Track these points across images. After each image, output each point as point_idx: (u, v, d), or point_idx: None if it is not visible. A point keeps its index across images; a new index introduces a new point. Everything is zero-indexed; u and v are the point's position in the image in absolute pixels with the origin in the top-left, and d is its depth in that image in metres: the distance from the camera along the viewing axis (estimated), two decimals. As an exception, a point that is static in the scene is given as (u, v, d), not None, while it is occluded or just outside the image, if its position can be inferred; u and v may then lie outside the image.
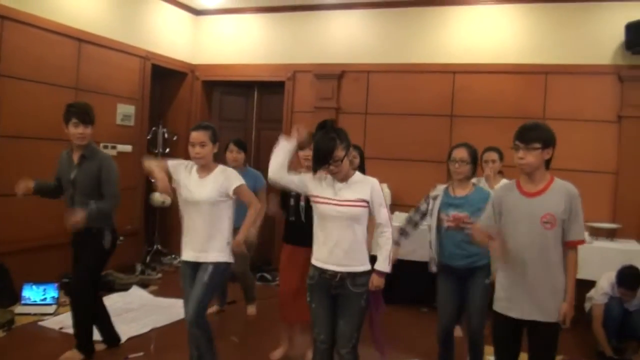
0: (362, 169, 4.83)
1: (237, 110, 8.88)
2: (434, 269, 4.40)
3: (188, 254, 4.06)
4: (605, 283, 5.22)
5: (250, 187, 4.47)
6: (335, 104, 7.78)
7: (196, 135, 3.98)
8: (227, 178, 4.03)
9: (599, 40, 6.67)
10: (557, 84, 6.84)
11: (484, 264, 4.23)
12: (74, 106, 4.55)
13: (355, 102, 7.76)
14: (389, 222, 3.60)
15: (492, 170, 5.60)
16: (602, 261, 5.67)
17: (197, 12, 8.57)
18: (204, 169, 4.05)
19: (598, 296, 5.22)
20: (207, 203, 3.97)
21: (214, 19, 8.57)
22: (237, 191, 4.01)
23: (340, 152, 3.49)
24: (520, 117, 6.79)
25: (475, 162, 4.39)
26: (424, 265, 4.63)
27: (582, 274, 5.73)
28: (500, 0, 7.08)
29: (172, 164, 4.11)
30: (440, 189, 4.47)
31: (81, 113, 4.46)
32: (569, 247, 3.28)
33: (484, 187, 4.61)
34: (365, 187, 3.57)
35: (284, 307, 4.61)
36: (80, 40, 6.56)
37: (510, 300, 3.35)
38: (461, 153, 4.32)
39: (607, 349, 5.06)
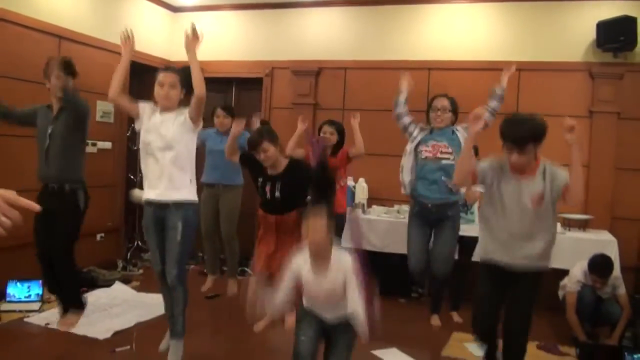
0: (341, 143, 5.69)
1: (215, 106, 8.90)
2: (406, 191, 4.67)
3: (150, 193, 4.09)
4: (578, 271, 5.40)
5: (240, 146, 4.74)
6: (313, 100, 7.89)
7: (165, 75, 4.10)
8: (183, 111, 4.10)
9: (571, 38, 6.86)
10: (530, 80, 7.01)
11: (455, 200, 4.42)
12: (59, 58, 4.77)
13: (332, 99, 7.87)
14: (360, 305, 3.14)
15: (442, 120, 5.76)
16: (574, 251, 5.86)
17: (174, 9, 8.61)
18: (167, 110, 4.11)
19: (571, 284, 5.40)
20: (170, 143, 4.03)
21: (191, 15, 8.55)
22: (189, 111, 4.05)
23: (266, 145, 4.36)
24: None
25: (456, 111, 4.62)
26: (400, 257, 4.78)
27: (556, 264, 5.93)
28: (475, -2, 7.23)
29: (142, 106, 4.22)
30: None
31: (65, 65, 4.63)
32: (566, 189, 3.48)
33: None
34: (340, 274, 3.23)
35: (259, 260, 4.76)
36: (60, 37, 6.57)
37: (497, 252, 3.57)
38: (443, 102, 4.56)
39: (580, 334, 5.24)
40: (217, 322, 5.82)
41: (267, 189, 4.64)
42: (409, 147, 4.76)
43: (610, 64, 6.68)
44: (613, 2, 6.62)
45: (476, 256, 3.88)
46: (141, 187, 8.03)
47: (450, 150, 4.52)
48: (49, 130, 4.61)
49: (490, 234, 3.69)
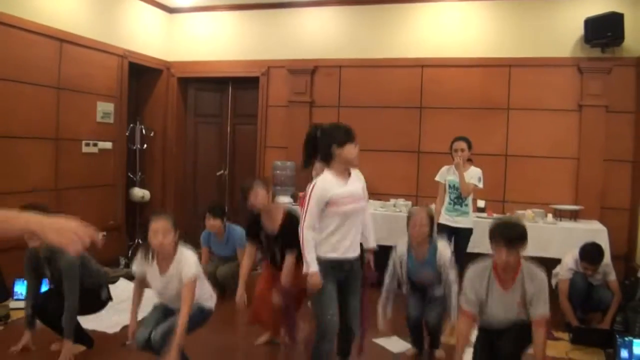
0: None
1: (212, 105, 9.07)
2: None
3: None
4: (569, 260, 5.59)
5: (232, 250, 5.46)
6: (309, 98, 8.04)
7: (160, 224, 3.82)
8: (183, 266, 3.86)
9: (560, 35, 7.05)
10: (520, 76, 7.20)
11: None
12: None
13: (328, 96, 8.02)
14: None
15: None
16: (566, 240, 6.08)
17: (171, 10, 8.73)
18: (165, 260, 3.91)
19: (563, 272, 5.59)
20: (173, 300, 3.95)
21: (187, 16, 8.73)
22: (185, 282, 3.83)
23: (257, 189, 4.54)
24: (486, 107, 7.23)
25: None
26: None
27: (548, 253, 6.18)
28: (466, -3, 7.41)
29: (138, 271, 4.06)
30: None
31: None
32: (537, 325, 3.62)
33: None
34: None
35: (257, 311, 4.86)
36: (61, 40, 6.68)
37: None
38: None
39: (573, 320, 5.43)
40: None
41: (270, 246, 4.71)
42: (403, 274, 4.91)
43: (598, 59, 6.87)
44: (600, -1, 6.83)
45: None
46: (141, 187, 8.24)
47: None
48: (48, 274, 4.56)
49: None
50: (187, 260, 3.88)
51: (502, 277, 3.66)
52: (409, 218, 4.57)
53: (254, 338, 5.13)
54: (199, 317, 4.06)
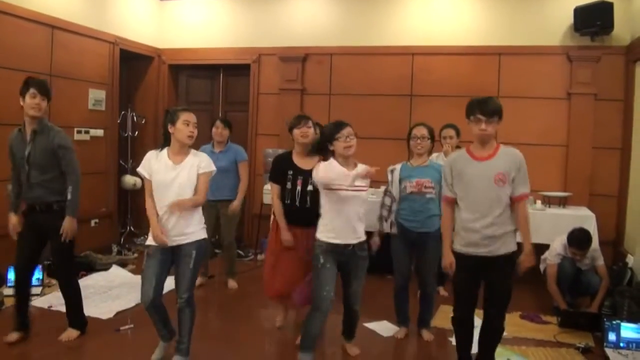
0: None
1: (204, 93, 9.07)
2: (389, 229, 4.91)
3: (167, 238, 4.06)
4: (558, 245, 5.68)
5: (230, 160, 4.91)
6: (300, 85, 8.07)
7: (193, 117, 4.07)
8: (201, 160, 4.10)
9: (549, 23, 7.11)
10: (510, 64, 7.25)
11: (435, 230, 4.67)
12: (33, 78, 4.50)
13: (319, 84, 8.05)
14: None
15: (450, 146, 5.97)
16: (554, 226, 6.14)
17: (162, -2, 8.73)
18: (181, 151, 4.09)
19: (552, 257, 5.68)
20: (185, 186, 4.03)
21: (178, 3, 8.71)
22: (200, 175, 4.07)
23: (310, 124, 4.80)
24: (475, 95, 7.17)
25: (433, 138, 4.87)
26: (388, 236, 5.01)
27: (537, 239, 6.20)
28: (457, -16, 7.43)
29: (144, 169, 4.11)
30: (396, 166, 5.00)
31: (41, 84, 4.44)
32: (518, 200, 3.73)
33: (437, 161, 5.15)
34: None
35: (272, 285, 4.87)
36: (53, 27, 6.68)
37: (472, 244, 3.78)
38: (422, 131, 4.81)
39: (562, 303, 5.52)
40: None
41: (299, 182, 4.69)
42: (395, 191, 4.92)
43: (588, 47, 6.93)
44: (590, -12, 6.87)
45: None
46: (132, 174, 8.25)
47: (432, 184, 4.73)
48: (25, 153, 4.45)
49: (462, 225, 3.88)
50: (205, 157, 4.18)
51: (478, 154, 3.77)
52: (409, 134, 4.92)
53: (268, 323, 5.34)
54: (201, 251, 4.20)
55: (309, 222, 4.46)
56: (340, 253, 4.15)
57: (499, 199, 3.69)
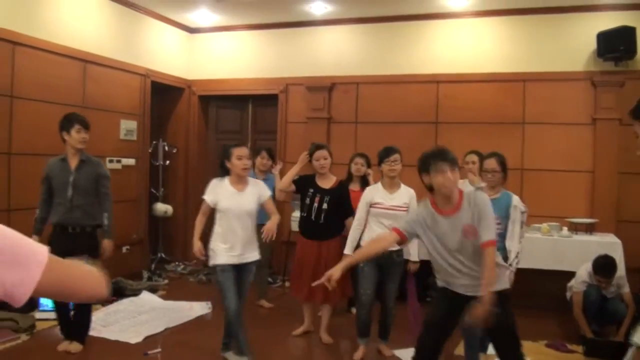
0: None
1: (233, 122, 9.24)
2: None
3: (231, 258, 4.63)
4: (583, 272, 5.65)
5: (271, 188, 5.28)
6: (327, 114, 8.19)
7: (245, 150, 4.68)
8: (260, 189, 4.76)
9: (573, 49, 7.13)
10: (534, 90, 7.27)
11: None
12: (74, 114, 5.10)
13: (345, 112, 8.16)
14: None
15: (472, 172, 5.97)
16: (581, 253, 6.09)
17: (191, 30, 8.96)
18: (241, 181, 4.69)
19: (577, 284, 5.64)
20: (248, 213, 4.66)
21: (208, 36, 8.95)
22: (266, 201, 4.74)
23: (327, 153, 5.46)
24: (501, 122, 7.32)
25: (505, 170, 4.75)
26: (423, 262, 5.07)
27: (564, 266, 6.23)
28: (480, 13, 7.50)
29: (210, 195, 4.70)
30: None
31: (83, 120, 4.98)
32: (484, 246, 3.44)
33: (509, 193, 4.95)
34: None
35: (297, 286, 5.49)
36: (86, 61, 6.93)
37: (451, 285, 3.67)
38: (492, 164, 4.74)
39: (587, 331, 5.48)
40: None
41: (317, 199, 5.38)
42: None
43: (611, 72, 6.93)
44: (612, 13, 6.90)
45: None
46: (163, 202, 8.43)
47: (500, 222, 4.56)
48: (71, 179, 4.90)
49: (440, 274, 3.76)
50: (262, 184, 4.87)
51: (444, 208, 3.53)
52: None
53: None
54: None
55: (320, 236, 5.36)
56: (378, 257, 4.52)
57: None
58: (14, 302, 1.20)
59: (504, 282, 3.68)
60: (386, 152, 5.02)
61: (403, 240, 3.72)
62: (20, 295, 1.20)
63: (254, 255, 4.75)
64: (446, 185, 3.44)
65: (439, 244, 3.58)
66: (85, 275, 1.36)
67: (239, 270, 4.67)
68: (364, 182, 5.90)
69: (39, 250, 1.24)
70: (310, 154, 5.44)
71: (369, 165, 6.03)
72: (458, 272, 3.57)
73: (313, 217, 5.38)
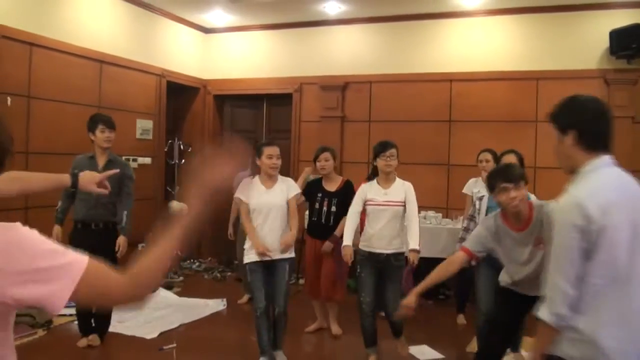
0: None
1: (248, 121, 9.32)
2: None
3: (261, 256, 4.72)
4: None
5: None
6: (340, 113, 8.24)
7: (276, 149, 4.80)
8: (289, 186, 4.90)
9: (586, 47, 7.13)
10: (547, 88, 7.25)
11: None
12: (99, 114, 5.36)
13: (359, 111, 8.21)
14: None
15: (486, 170, 5.98)
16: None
17: (206, 31, 9.05)
18: (270, 179, 4.83)
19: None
20: (278, 210, 4.75)
21: (222, 36, 9.03)
22: (290, 199, 4.82)
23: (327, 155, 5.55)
24: (514, 120, 7.32)
25: (523, 166, 4.82)
26: (426, 261, 5.11)
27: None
28: (493, 12, 7.51)
29: (241, 193, 4.78)
30: (481, 185, 5.18)
31: (108, 120, 5.19)
32: None
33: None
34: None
35: (311, 286, 5.66)
36: (102, 61, 7.03)
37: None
38: (511, 159, 4.83)
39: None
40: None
41: (325, 203, 5.52)
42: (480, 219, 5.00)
43: (624, 70, 6.92)
44: (625, 11, 6.89)
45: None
46: (179, 200, 8.49)
47: None
48: None
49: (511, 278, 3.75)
50: (291, 182, 5.02)
51: (514, 223, 3.50)
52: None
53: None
54: (292, 267, 5.11)
55: (319, 235, 5.53)
56: (375, 260, 4.77)
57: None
58: (49, 311, 1.29)
59: None
60: (382, 147, 4.89)
61: (474, 259, 3.70)
62: (54, 307, 1.27)
63: (285, 253, 4.81)
64: (510, 204, 3.39)
65: (511, 256, 3.59)
66: (111, 282, 1.38)
67: (270, 268, 4.76)
68: None
69: (75, 261, 1.30)
70: (315, 157, 5.58)
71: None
72: (527, 278, 3.56)
73: (323, 220, 5.51)
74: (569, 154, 2.38)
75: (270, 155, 4.74)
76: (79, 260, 1.30)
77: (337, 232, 5.39)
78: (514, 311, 3.77)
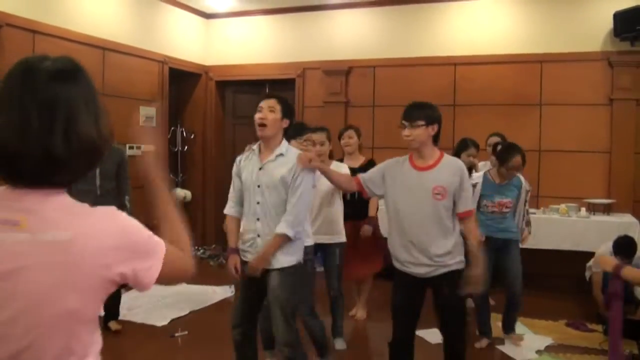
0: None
1: (250, 107, 9.02)
2: None
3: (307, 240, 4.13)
4: (603, 252, 5.67)
5: None
6: (344, 98, 8.22)
7: (318, 138, 4.68)
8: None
9: (589, 29, 7.11)
10: (551, 71, 7.27)
11: (517, 237, 4.83)
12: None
13: (362, 96, 8.19)
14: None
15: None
16: (599, 234, 6.14)
17: (208, 16, 8.99)
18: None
19: (597, 265, 5.68)
20: (319, 192, 4.60)
21: (224, 21, 8.99)
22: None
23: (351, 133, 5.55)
24: (518, 103, 7.33)
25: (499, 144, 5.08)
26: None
27: (582, 247, 6.25)
28: (496, -6, 7.50)
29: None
30: (478, 176, 5.07)
31: None
32: (462, 217, 3.56)
33: (484, 169, 5.21)
34: None
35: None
36: (104, 48, 6.99)
37: (407, 262, 3.57)
38: (496, 140, 4.98)
39: (606, 311, 5.52)
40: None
41: None
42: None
43: (628, 52, 6.91)
44: (629, -7, 6.87)
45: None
46: (182, 187, 8.52)
47: (513, 203, 4.91)
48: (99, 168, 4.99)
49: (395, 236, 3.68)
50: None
51: (419, 163, 3.60)
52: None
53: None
54: (343, 251, 5.00)
55: (354, 216, 5.24)
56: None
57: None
58: (142, 286, 1.43)
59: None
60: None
61: (360, 188, 3.79)
62: (149, 280, 1.43)
63: (330, 237, 4.81)
64: (407, 142, 3.61)
65: (404, 200, 3.58)
66: (182, 258, 1.56)
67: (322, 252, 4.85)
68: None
69: (160, 242, 1.46)
70: (340, 135, 5.63)
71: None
72: (411, 238, 3.57)
73: (349, 197, 5.14)
74: None
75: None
76: (160, 241, 1.47)
77: (371, 213, 5.37)
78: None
